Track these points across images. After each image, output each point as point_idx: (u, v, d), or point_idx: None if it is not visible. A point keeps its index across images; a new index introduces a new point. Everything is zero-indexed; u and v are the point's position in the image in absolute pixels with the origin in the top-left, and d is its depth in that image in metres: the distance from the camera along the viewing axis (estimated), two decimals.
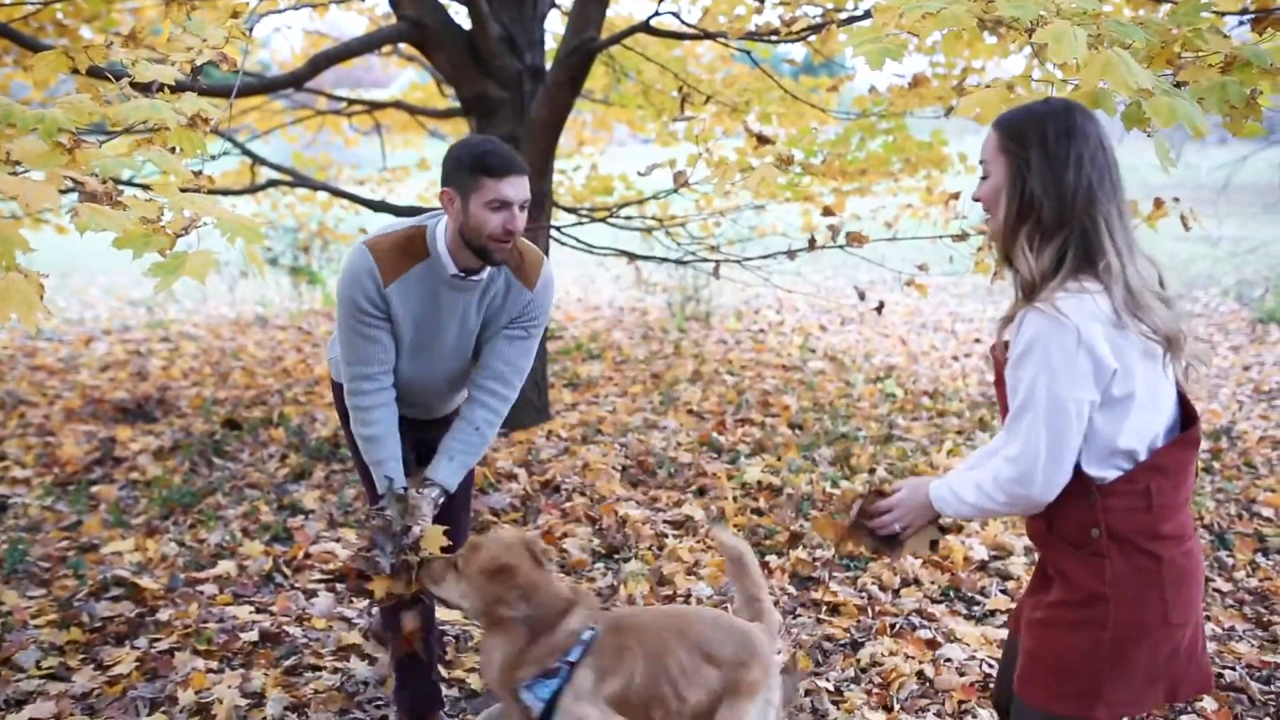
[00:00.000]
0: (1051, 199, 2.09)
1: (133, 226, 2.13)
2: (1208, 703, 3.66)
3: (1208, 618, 4.33)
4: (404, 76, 13.19)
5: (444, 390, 3.32)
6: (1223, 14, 3.96)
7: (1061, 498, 2.14)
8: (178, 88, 2.80)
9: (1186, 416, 2.23)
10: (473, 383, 3.22)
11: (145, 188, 2.49)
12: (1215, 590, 4.59)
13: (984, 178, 2.23)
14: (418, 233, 3.00)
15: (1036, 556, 2.50)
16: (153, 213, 2.21)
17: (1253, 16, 3.66)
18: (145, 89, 2.74)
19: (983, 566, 4.80)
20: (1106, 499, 2.13)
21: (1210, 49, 3.11)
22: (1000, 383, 2.25)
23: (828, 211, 5.84)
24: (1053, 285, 2.07)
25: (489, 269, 3.02)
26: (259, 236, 2.26)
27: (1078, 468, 2.12)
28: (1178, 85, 3.07)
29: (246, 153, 7.46)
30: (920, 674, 3.84)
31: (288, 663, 3.80)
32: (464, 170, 2.84)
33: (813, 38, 5.58)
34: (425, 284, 3.00)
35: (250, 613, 4.18)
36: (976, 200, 2.28)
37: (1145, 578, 2.13)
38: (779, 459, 6.13)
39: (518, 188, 2.85)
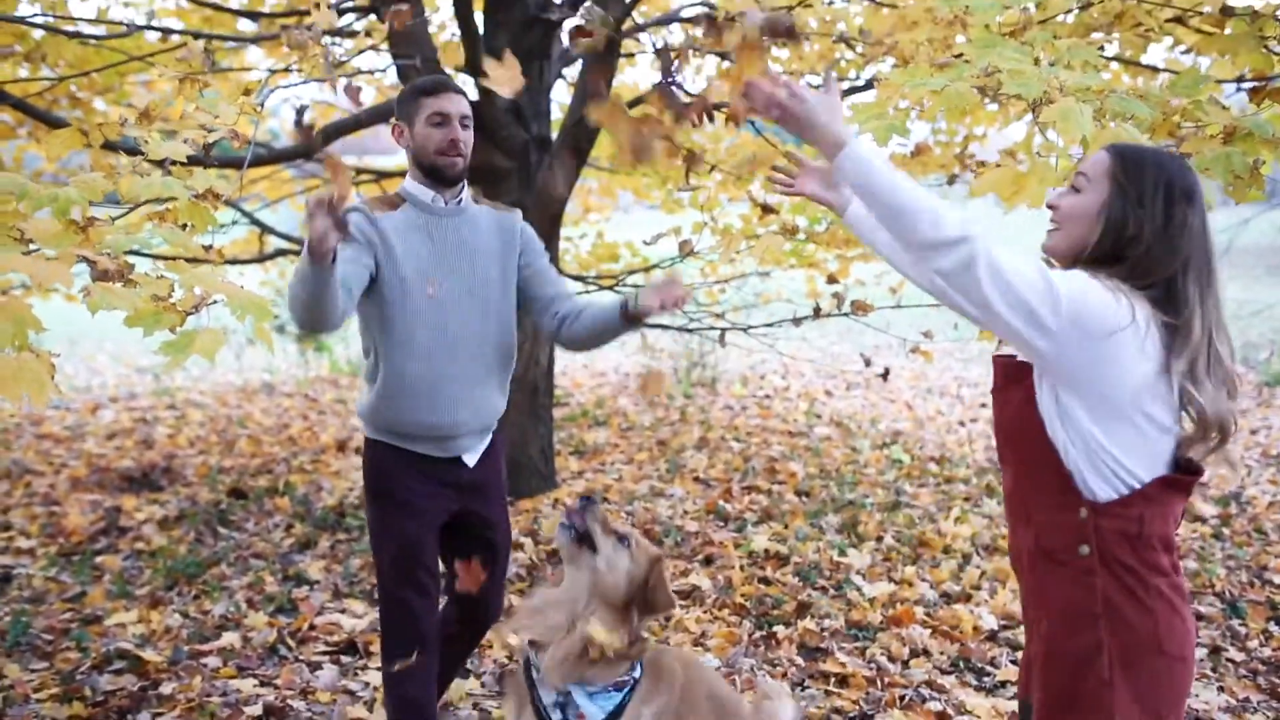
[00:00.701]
0: (1146, 248, 2.05)
1: (143, 305, 2.15)
2: None
3: (1220, 689, 4.28)
4: None
5: (475, 376, 3.19)
6: (1221, 81, 4.01)
7: (1050, 512, 2.14)
8: (190, 162, 2.84)
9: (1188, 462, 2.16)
10: (560, 310, 3.29)
11: (157, 258, 2.52)
12: (1228, 660, 4.54)
13: (1074, 189, 2.16)
14: (390, 194, 3.21)
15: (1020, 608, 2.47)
16: (164, 290, 2.23)
17: (1251, 87, 3.70)
18: (158, 164, 2.78)
19: (992, 636, 4.75)
20: (1098, 518, 2.09)
21: (1210, 119, 3.15)
22: (1002, 400, 2.24)
23: (832, 279, 5.87)
24: None
25: (465, 196, 3.19)
26: (268, 314, 2.28)
27: (1069, 480, 2.08)
28: (1182, 156, 3.11)
29: (255, 222, 7.53)
30: None
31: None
32: (405, 99, 3.11)
33: None
34: (416, 222, 3.10)
35: (254, 686, 4.14)
36: (1052, 207, 2.21)
37: (1136, 600, 2.09)
38: (786, 527, 6.10)
39: (455, 102, 3.08)
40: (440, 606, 3.35)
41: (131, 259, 2.36)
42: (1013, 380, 2.18)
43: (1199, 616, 4.98)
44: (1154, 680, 2.11)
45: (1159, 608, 2.10)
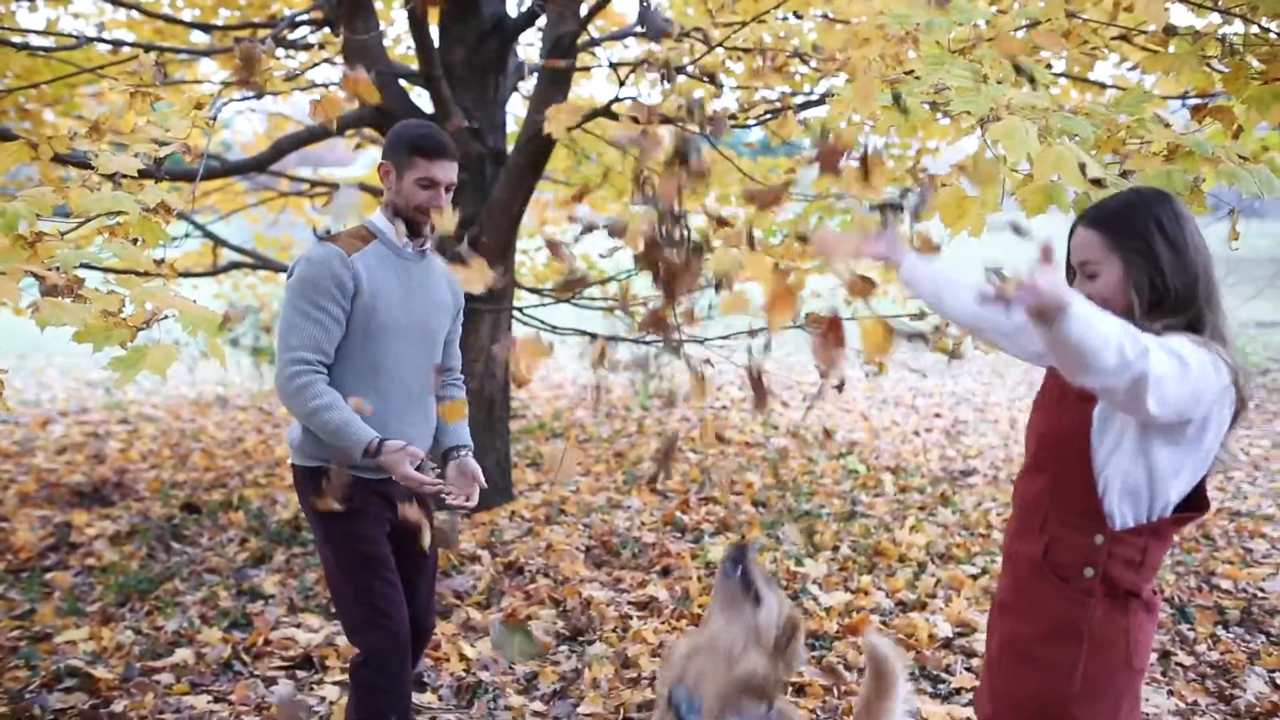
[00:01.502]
0: (1181, 283, 2.12)
1: (93, 320, 2.13)
2: None
3: (1170, 692, 4.34)
4: (367, 155, 13.26)
5: (418, 397, 3.28)
6: (1166, 98, 4.09)
7: (1068, 531, 2.21)
8: (141, 175, 2.82)
9: (1197, 498, 2.24)
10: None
11: (107, 271, 2.50)
12: (1177, 664, 4.61)
13: (1090, 278, 2.21)
14: (358, 227, 3.22)
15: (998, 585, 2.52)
16: (114, 306, 2.22)
17: (1193, 104, 3.78)
18: (109, 178, 2.76)
19: (947, 644, 4.79)
20: (1111, 545, 2.17)
21: (1153, 137, 3.22)
22: (1049, 413, 2.30)
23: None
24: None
25: (429, 241, 3.27)
26: (219, 330, 2.27)
27: (1098, 505, 2.16)
28: (1125, 174, 3.17)
29: (208, 235, 7.47)
30: None
31: None
32: (401, 148, 3.13)
33: (770, 120, 5.69)
34: (383, 259, 3.16)
35: (208, 702, 4.10)
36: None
37: (1118, 624, 2.20)
38: (743, 538, 6.12)
39: (446, 171, 3.14)
40: None
41: (81, 273, 2.35)
42: (1072, 398, 2.22)
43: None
44: (1119, 694, 2.21)
45: (1132, 626, 2.21)
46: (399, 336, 3.15)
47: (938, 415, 10.60)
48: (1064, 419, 2.25)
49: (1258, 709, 4.21)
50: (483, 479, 3.32)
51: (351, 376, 3.09)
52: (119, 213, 2.63)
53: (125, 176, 2.79)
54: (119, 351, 2.18)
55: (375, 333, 3.09)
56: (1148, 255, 2.13)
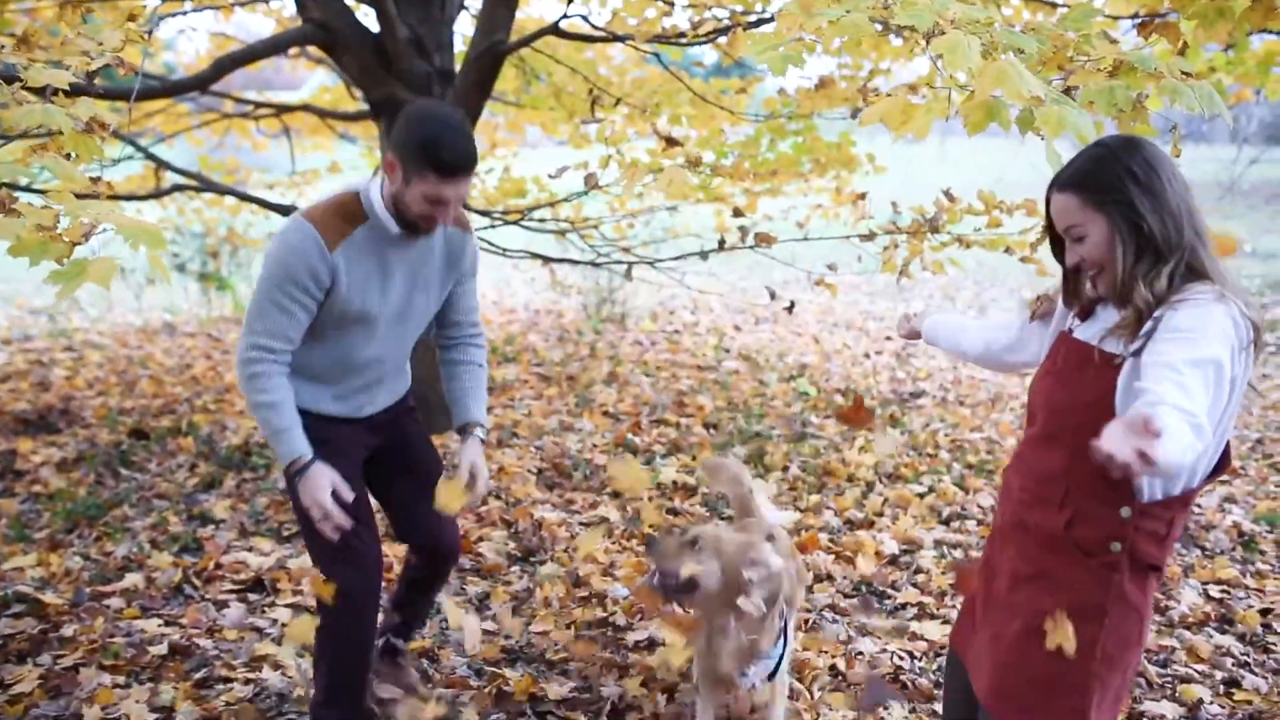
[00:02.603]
0: (1163, 228, 2.10)
1: (28, 234, 2.09)
2: None
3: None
4: (314, 79, 13.03)
5: (401, 364, 3.26)
6: (1116, 18, 4.08)
7: (1094, 504, 2.16)
8: (73, 92, 2.75)
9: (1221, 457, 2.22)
10: (451, 337, 3.33)
11: (42, 193, 2.45)
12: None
13: (1078, 240, 2.20)
14: (350, 197, 2.94)
15: (985, 556, 2.50)
16: (49, 220, 2.17)
17: (1139, 21, 3.78)
18: (40, 93, 2.69)
19: (893, 561, 4.89)
20: (1139, 518, 2.13)
21: (1098, 53, 3.21)
22: (1066, 381, 2.25)
23: (738, 212, 5.90)
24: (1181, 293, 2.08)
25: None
26: (161, 242, 2.22)
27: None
28: (1069, 90, 3.16)
29: (150, 156, 7.30)
30: (832, 668, 3.90)
31: (198, 675, 3.74)
32: (414, 153, 2.76)
33: (722, 39, 5.63)
34: (370, 246, 2.94)
35: (159, 625, 4.10)
36: (1077, 269, 2.25)
37: (1139, 598, 2.16)
38: (694, 459, 6.17)
39: (459, 188, 2.81)
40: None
41: (15, 194, 2.29)
42: (1089, 366, 2.19)
43: None
44: (1127, 667, 2.21)
45: (1147, 601, 2.19)
46: (374, 324, 3.03)
47: (889, 338, 10.68)
48: (1086, 390, 2.18)
49: (1190, 619, 4.34)
50: (485, 478, 3.15)
51: (319, 356, 3.03)
52: (54, 133, 2.57)
53: (57, 91, 2.71)
54: (57, 267, 2.13)
55: (347, 323, 2.98)
56: (1127, 206, 2.12)
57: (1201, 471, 2.16)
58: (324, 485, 2.88)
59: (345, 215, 2.91)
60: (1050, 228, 2.32)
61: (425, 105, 2.92)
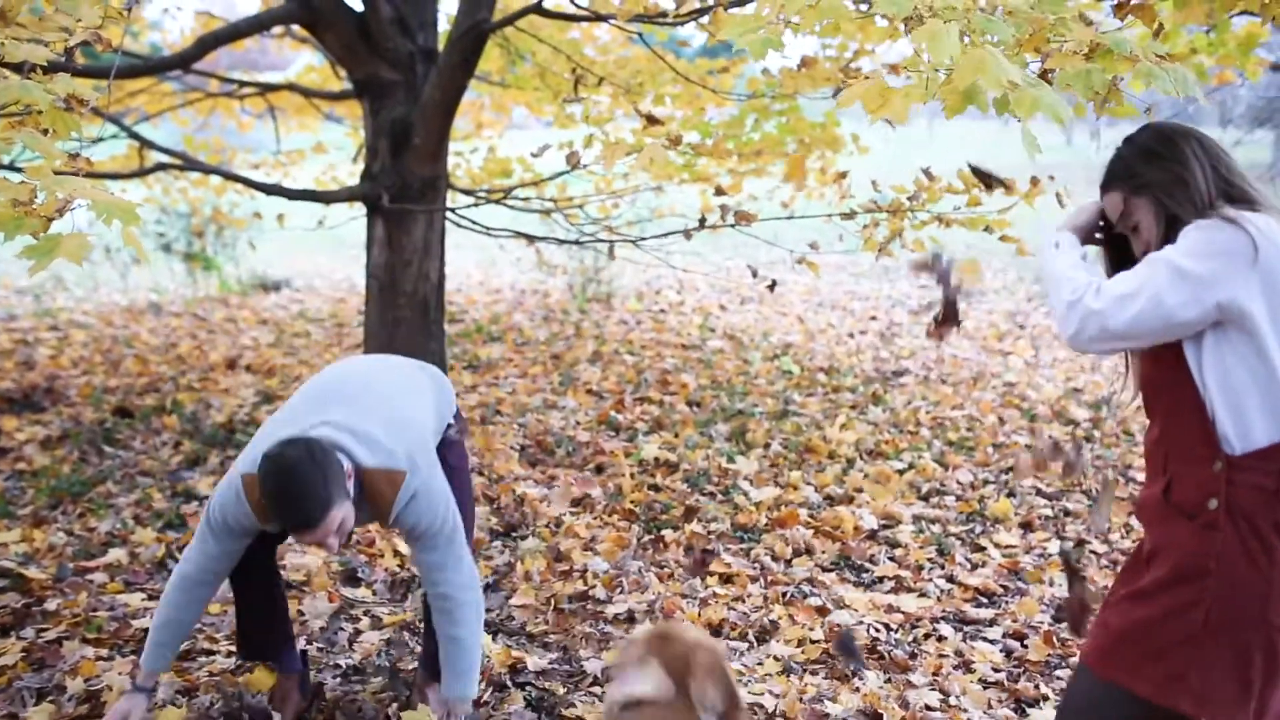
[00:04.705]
0: (1189, 193, 2.19)
1: (2, 209, 2.11)
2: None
3: (1083, 576, 4.51)
4: (301, 59, 12.98)
5: None
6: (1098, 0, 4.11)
7: (1186, 464, 2.14)
8: (51, 68, 2.76)
9: None
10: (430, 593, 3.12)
11: (21, 170, 2.46)
12: (1092, 551, 4.79)
13: (1134, 230, 2.30)
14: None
15: (1134, 544, 2.47)
16: (24, 195, 2.19)
17: (1116, 3, 3.80)
18: (17, 69, 2.70)
19: (872, 535, 4.94)
20: (1233, 471, 2.07)
21: (1073, 35, 3.24)
22: (1151, 354, 2.24)
23: (720, 192, 5.93)
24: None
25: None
26: (135, 218, 2.25)
27: (1211, 430, 2.09)
28: (1046, 73, 3.20)
29: (133, 135, 7.29)
30: (811, 639, 3.95)
31: (181, 648, 3.77)
32: (269, 513, 2.81)
33: (705, 19, 5.65)
34: None
35: (142, 600, 4.13)
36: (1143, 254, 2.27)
37: (1252, 560, 2.05)
38: (676, 436, 6.22)
39: (315, 535, 2.74)
40: None
41: None
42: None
43: (1067, 513, 5.24)
44: (1248, 647, 2.08)
45: (1276, 574, 2.05)
46: None
47: (873, 318, 10.74)
48: (1161, 359, 2.20)
49: None
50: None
51: None
52: (32, 109, 2.58)
53: (35, 67, 2.72)
54: (32, 242, 2.15)
55: None
56: (1156, 183, 2.23)
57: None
58: (126, 711, 2.96)
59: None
60: (1103, 229, 2.43)
61: (273, 461, 2.75)
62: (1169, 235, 2.19)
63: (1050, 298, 2.25)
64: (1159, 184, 2.23)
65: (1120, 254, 2.40)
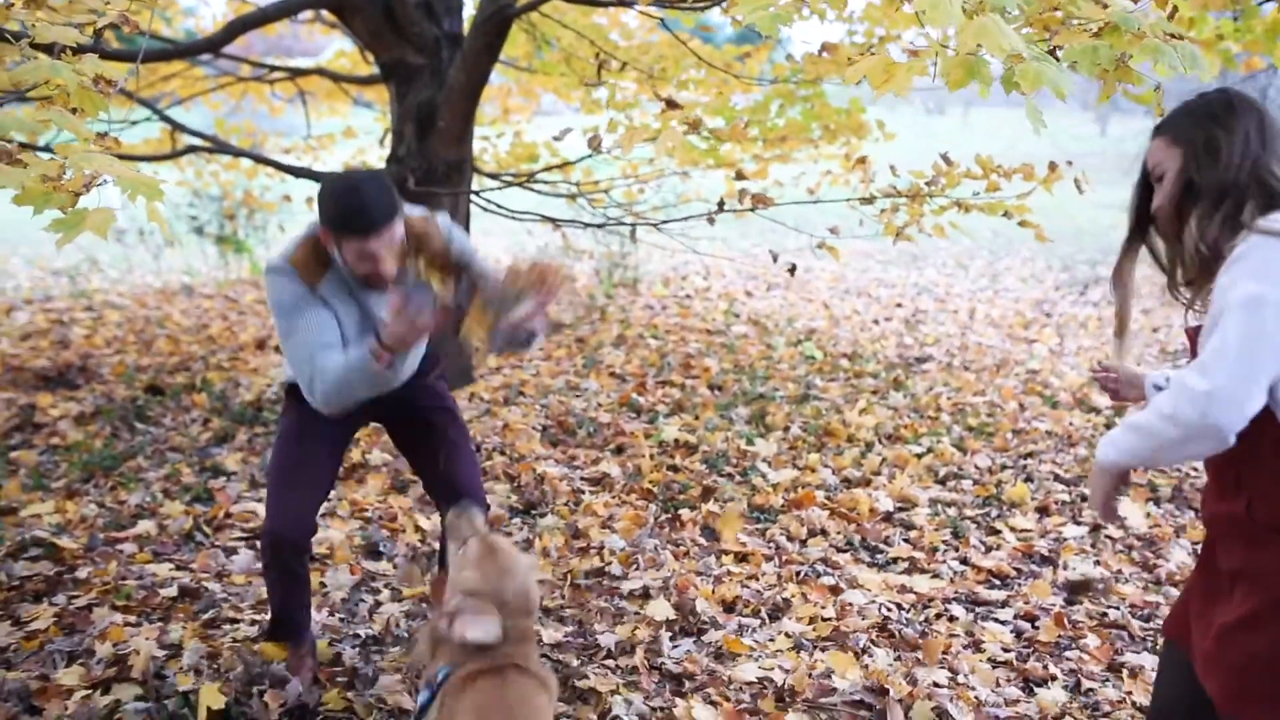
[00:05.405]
0: (1221, 169, 2.07)
1: (32, 184, 2.19)
2: (1090, 639, 3.86)
3: (1097, 562, 4.55)
4: (332, 44, 13.08)
5: (407, 357, 3.33)
6: None
7: (1266, 474, 2.03)
8: (80, 50, 2.84)
9: None
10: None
11: (50, 150, 2.55)
12: (1107, 536, 4.81)
13: (1159, 180, 2.21)
14: (315, 243, 3.07)
15: (1200, 549, 2.33)
16: (53, 171, 2.27)
17: None
18: (48, 50, 2.78)
19: (888, 517, 4.98)
20: None
21: (1083, 14, 3.26)
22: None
23: (740, 175, 5.97)
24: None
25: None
26: (159, 194, 2.32)
27: None
28: (1054, 50, 3.22)
29: (164, 118, 7.41)
30: (823, 617, 4.00)
31: (206, 616, 3.88)
32: (333, 220, 2.93)
33: (724, 4, 5.68)
34: (343, 289, 3.10)
35: (170, 570, 4.24)
36: (1154, 216, 2.24)
37: None
38: (696, 418, 6.28)
39: (383, 239, 2.92)
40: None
41: (23, 147, 2.40)
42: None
43: (1083, 498, 5.26)
44: None
45: None
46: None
47: (899, 305, 10.74)
48: None
49: (1177, 576, 4.42)
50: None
51: None
52: (60, 89, 2.66)
53: (64, 49, 2.80)
54: (59, 215, 2.24)
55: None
56: (1192, 141, 2.12)
57: None
58: (404, 322, 2.91)
59: (318, 257, 3.06)
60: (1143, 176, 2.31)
61: (337, 176, 3.02)
62: (1183, 201, 2.12)
63: (1160, 437, 1.98)
64: (1193, 143, 2.12)
65: (1147, 206, 2.28)
